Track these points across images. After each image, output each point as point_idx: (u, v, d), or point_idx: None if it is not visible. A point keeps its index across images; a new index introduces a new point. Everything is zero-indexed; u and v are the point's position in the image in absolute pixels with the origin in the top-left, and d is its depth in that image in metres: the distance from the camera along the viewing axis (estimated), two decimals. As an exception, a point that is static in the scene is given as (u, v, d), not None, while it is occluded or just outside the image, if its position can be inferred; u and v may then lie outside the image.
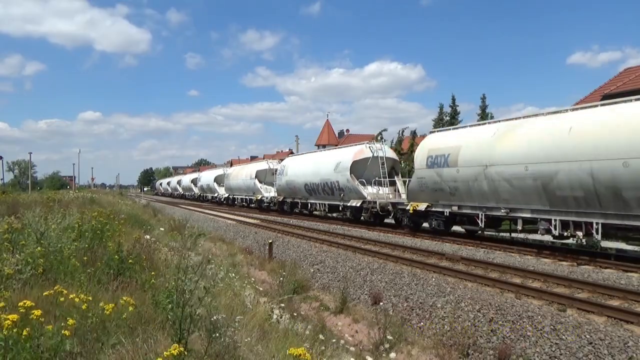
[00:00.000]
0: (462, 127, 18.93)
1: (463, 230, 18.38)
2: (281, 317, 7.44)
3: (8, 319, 2.62)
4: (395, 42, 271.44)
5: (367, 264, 13.48)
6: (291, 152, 55.76)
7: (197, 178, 64.05)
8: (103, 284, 5.03)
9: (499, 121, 16.58)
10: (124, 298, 3.64)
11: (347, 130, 68.27)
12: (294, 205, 31.05)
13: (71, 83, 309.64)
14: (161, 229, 15.89)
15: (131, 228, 12.65)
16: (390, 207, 21.34)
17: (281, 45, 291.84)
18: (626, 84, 26.87)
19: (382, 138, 37.78)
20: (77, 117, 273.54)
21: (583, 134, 12.36)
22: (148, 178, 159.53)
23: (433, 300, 10.02)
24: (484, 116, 35.40)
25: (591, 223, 12.30)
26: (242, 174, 41.55)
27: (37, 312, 2.82)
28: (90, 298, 3.62)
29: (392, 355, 7.53)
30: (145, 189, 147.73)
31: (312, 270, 14.59)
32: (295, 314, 8.71)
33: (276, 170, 34.12)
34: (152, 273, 5.52)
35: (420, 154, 18.59)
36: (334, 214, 27.06)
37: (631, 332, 7.16)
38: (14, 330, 2.63)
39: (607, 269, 11.45)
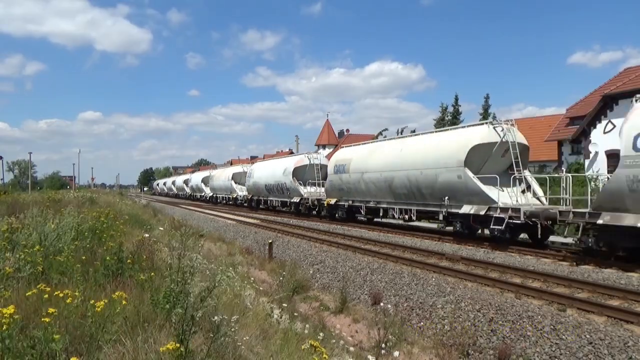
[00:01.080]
0: (355, 145, 26.37)
1: (364, 218, 24.60)
2: (281, 317, 7.43)
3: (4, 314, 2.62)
4: (396, 42, 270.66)
5: (367, 263, 13.48)
6: (291, 152, 55.83)
7: (188, 179, 69.68)
8: (100, 284, 5.02)
9: (374, 142, 25.77)
10: (118, 293, 3.65)
11: (347, 130, 68.23)
12: (259, 202, 36.96)
13: (71, 83, 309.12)
14: (160, 228, 15.86)
15: (131, 228, 12.64)
16: (317, 202, 27.58)
17: (282, 45, 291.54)
18: (626, 84, 26.90)
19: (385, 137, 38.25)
20: (77, 117, 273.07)
21: (407, 153, 19.11)
22: (148, 178, 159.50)
23: (433, 300, 10.02)
24: (486, 116, 35.47)
25: (411, 209, 18.92)
26: (223, 176, 47.52)
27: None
28: (81, 296, 3.62)
29: (393, 355, 7.53)
30: (145, 189, 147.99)
31: (312, 270, 14.59)
32: (295, 314, 8.71)
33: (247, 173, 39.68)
34: (152, 274, 5.50)
35: (331, 164, 25.94)
36: (284, 209, 32.96)
37: (631, 332, 7.16)
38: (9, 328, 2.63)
39: (607, 268, 11.44)
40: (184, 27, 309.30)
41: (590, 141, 28.63)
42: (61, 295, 3.54)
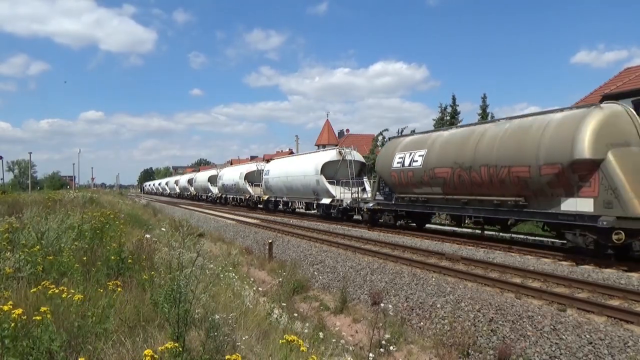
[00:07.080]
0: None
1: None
2: (281, 317, 7.43)
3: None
4: (400, 42, 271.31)
5: (367, 263, 13.48)
6: (291, 152, 55.81)
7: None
8: (101, 284, 5.02)
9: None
10: (113, 282, 3.66)
11: (347, 130, 68.16)
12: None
13: (74, 83, 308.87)
14: (162, 229, 15.86)
15: (131, 228, 12.65)
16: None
17: (286, 44, 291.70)
18: (626, 84, 26.84)
19: (383, 137, 38.23)
20: (79, 116, 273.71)
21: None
22: (148, 178, 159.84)
23: (433, 300, 10.02)
24: (485, 116, 35.54)
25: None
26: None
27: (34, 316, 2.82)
28: (82, 296, 3.63)
29: (392, 354, 7.53)
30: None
31: (312, 270, 14.58)
32: (295, 314, 8.71)
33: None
34: (152, 273, 5.51)
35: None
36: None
37: (631, 332, 7.16)
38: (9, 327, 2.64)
39: (607, 268, 11.44)
40: (189, 27, 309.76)
41: (590, 141, 28.55)
42: (57, 291, 3.55)
